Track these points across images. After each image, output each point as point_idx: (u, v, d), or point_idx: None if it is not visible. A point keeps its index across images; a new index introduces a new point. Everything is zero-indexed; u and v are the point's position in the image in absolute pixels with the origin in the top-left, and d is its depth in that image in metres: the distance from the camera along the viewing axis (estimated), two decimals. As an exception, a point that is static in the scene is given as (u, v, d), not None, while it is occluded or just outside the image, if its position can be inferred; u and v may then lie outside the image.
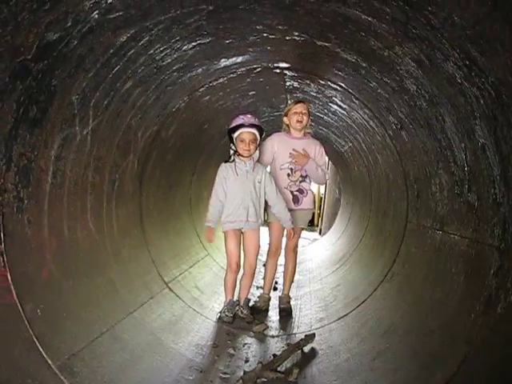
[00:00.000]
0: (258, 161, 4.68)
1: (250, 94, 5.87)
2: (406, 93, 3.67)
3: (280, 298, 5.20)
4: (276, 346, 4.14)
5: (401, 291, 4.16)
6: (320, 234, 12.93)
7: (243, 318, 4.64)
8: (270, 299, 5.20)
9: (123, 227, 4.26)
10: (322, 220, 13.80)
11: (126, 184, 4.37)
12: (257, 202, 4.63)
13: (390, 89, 3.93)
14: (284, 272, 5.27)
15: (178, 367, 3.41)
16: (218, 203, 4.58)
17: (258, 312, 4.96)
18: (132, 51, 3.25)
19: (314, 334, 4.09)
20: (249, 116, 4.51)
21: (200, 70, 4.37)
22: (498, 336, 2.37)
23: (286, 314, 4.99)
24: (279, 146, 4.89)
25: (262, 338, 4.34)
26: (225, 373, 3.47)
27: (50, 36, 2.42)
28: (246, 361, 3.76)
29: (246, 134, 4.46)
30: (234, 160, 4.59)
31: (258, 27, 3.69)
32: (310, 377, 3.47)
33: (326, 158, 5.16)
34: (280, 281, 5.76)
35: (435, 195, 3.74)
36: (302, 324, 4.72)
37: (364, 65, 3.90)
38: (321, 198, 14.83)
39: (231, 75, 4.91)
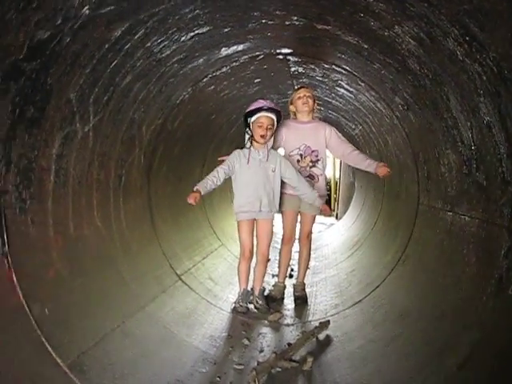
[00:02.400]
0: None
1: (256, 81, 5.82)
2: (409, 73, 3.61)
3: (294, 285, 5.16)
4: (291, 334, 4.12)
5: (414, 275, 4.11)
6: (336, 218, 12.87)
7: (258, 309, 4.60)
8: (285, 287, 5.16)
9: (132, 222, 4.25)
10: (338, 204, 13.71)
11: (134, 179, 4.36)
12: (270, 192, 4.48)
13: (393, 69, 3.86)
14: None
15: (192, 360, 3.39)
16: (214, 179, 4.32)
17: (274, 301, 4.94)
18: (128, 45, 3.21)
19: (328, 321, 4.06)
20: (268, 101, 4.38)
21: (201, 60, 4.33)
22: (510, 318, 2.32)
23: (301, 301, 4.95)
24: (287, 133, 4.81)
25: (276, 326, 4.32)
26: (239, 364, 3.45)
27: (40, 34, 2.39)
28: (261, 351, 3.74)
29: (264, 119, 4.29)
30: (249, 147, 4.43)
31: (255, 13, 3.63)
32: (325, 365, 3.44)
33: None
34: (296, 268, 5.67)
35: (444, 176, 3.68)
36: (317, 311, 4.69)
37: (366, 46, 3.83)
38: (336, 183, 14.71)
39: (234, 64, 4.86)
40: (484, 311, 2.56)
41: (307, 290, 5.17)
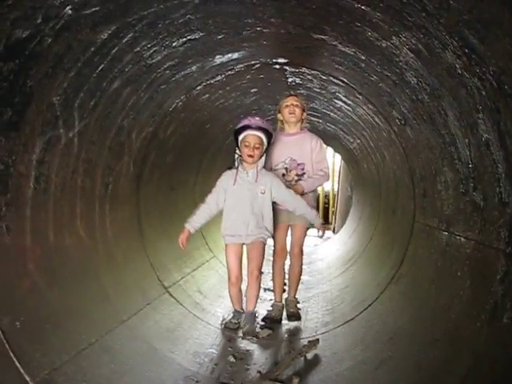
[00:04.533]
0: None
1: (252, 91, 5.73)
2: (407, 86, 3.50)
3: (287, 301, 4.89)
4: (279, 352, 3.99)
5: (407, 295, 3.99)
6: (334, 231, 12.80)
7: (244, 334, 4.26)
8: (283, 306, 4.88)
9: (118, 231, 4.12)
10: (335, 218, 13.63)
11: (122, 187, 4.24)
12: (259, 215, 4.26)
13: (391, 82, 3.75)
14: (289, 274, 4.96)
15: (173, 378, 3.27)
16: (207, 211, 4.32)
17: (274, 322, 4.68)
18: (116, 49, 3.09)
19: (317, 340, 3.92)
20: (257, 118, 4.21)
21: (194, 67, 4.21)
22: (504, 348, 2.19)
23: (295, 318, 4.70)
24: (274, 146, 4.58)
25: (265, 343, 4.18)
26: (222, 383, 3.32)
27: (18, 33, 2.28)
28: (246, 369, 3.61)
29: (250, 137, 4.08)
30: (237, 167, 4.25)
31: (249, 21, 3.53)
32: (311, 386, 3.32)
33: (327, 154, 4.88)
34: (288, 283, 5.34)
35: (441, 194, 3.56)
36: (307, 328, 4.56)
37: (363, 58, 3.73)
38: (334, 196, 14.67)
39: (229, 72, 4.76)
40: (478, 338, 2.43)
41: (300, 306, 4.96)
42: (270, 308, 4.88)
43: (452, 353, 2.64)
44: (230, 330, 4.34)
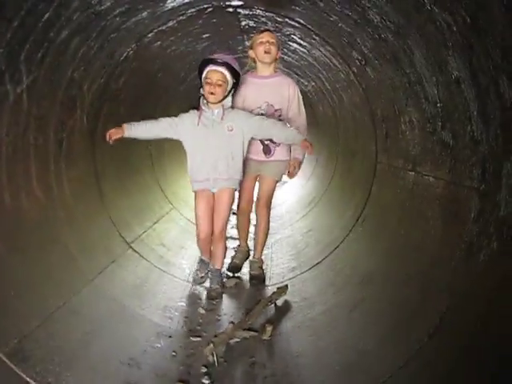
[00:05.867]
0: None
1: (204, 37, 5.51)
2: (369, 25, 3.39)
3: (251, 262, 4.62)
4: (248, 300, 3.98)
5: (374, 236, 4.02)
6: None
7: (210, 294, 4.07)
8: (248, 252, 4.70)
9: (76, 190, 3.95)
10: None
11: (76, 143, 4.04)
12: (229, 155, 3.91)
13: (352, 22, 3.63)
14: (255, 232, 4.66)
15: (145, 335, 3.24)
16: (153, 124, 3.90)
17: (237, 270, 4.58)
18: (61, -5, 2.87)
19: (286, 286, 3.92)
20: (223, 54, 3.91)
21: (145, 13, 3.97)
22: (482, 286, 2.21)
23: (257, 281, 4.42)
24: (246, 90, 4.19)
25: (233, 293, 4.19)
26: (195, 336, 3.31)
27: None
28: (218, 320, 3.61)
29: (212, 74, 3.75)
30: (201, 106, 3.88)
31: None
32: (285, 333, 3.34)
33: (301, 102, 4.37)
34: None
35: (405, 134, 3.54)
36: (274, 275, 4.57)
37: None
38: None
39: (181, 17, 4.52)
40: (453, 277, 2.45)
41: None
42: (234, 254, 4.72)
43: (428, 292, 2.67)
44: (197, 284, 4.27)
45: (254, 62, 4.28)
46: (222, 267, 4.30)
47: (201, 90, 3.88)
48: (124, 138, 3.80)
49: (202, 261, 4.32)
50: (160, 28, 4.52)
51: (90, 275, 3.55)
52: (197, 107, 3.94)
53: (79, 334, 2.89)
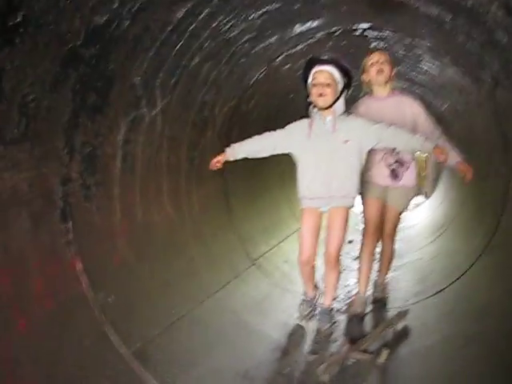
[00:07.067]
0: None
1: (334, 59, 5.58)
2: (497, 45, 3.24)
3: (375, 283, 4.35)
4: (367, 323, 3.94)
5: (500, 267, 3.77)
6: (426, 196, 12.40)
7: (317, 335, 3.61)
8: (365, 303, 4.10)
9: (205, 206, 4.19)
10: (427, 181, 13.19)
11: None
12: (347, 170, 3.39)
13: (478, 43, 3.50)
14: (380, 257, 4.31)
15: (262, 348, 3.31)
16: (256, 142, 3.66)
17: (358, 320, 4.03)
18: (193, 26, 3.09)
19: (407, 311, 3.82)
20: (329, 53, 3.54)
21: (273, 38, 4.14)
22: None
23: (379, 305, 4.18)
24: (364, 114, 3.72)
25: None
26: (310, 353, 3.34)
27: (97, 19, 2.33)
28: (335, 340, 3.60)
29: (318, 74, 3.28)
30: (311, 116, 3.44)
31: (327, -13, 3.43)
32: (400, 359, 3.24)
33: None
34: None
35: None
36: (397, 299, 4.45)
37: (447, 19, 3.49)
38: (425, 159, 14.18)
39: (310, 41, 4.62)
40: None
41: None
42: (349, 300, 4.29)
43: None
44: (304, 320, 3.82)
45: (368, 86, 3.98)
46: (331, 303, 3.80)
47: (308, 98, 3.44)
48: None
49: (304, 301, 3.86)
50: (289, 51, 4.66)
51: (213, 288, 3.73)
52: (305, 116, 3.53)
53: (199, 342, 3.05)
